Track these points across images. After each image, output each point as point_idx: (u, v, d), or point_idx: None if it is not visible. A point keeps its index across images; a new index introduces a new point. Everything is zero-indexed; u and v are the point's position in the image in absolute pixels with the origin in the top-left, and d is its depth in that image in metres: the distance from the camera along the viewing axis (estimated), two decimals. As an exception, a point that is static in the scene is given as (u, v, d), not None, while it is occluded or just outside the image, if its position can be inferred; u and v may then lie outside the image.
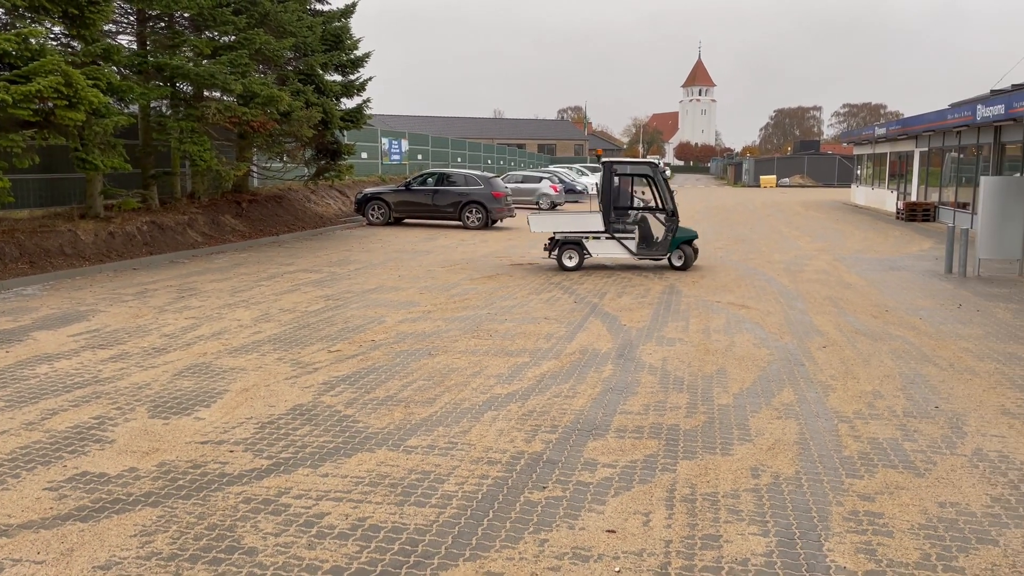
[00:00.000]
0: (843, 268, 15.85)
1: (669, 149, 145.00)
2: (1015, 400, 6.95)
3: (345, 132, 24.08)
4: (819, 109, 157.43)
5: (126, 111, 15.90)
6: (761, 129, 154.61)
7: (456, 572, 3.95)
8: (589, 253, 15.06)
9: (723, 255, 17.77)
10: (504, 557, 4.11)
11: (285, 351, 8.46)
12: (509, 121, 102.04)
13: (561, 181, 37.99)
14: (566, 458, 5.48)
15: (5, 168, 12.63)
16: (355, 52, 22.82)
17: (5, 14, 13.67)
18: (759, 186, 72.50)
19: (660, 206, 15.03)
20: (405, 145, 36.23)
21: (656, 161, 15.93)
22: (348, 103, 23.30)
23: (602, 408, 6.61)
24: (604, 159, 15.67)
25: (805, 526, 4.48)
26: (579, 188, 41.57)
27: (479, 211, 23.33)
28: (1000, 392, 7.19)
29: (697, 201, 42.46)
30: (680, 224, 15.27)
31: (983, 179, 14.94)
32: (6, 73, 12.34)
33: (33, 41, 12.64)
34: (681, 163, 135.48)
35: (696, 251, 15.46)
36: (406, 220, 24.42)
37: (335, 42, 21.79)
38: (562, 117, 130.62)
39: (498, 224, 24.47)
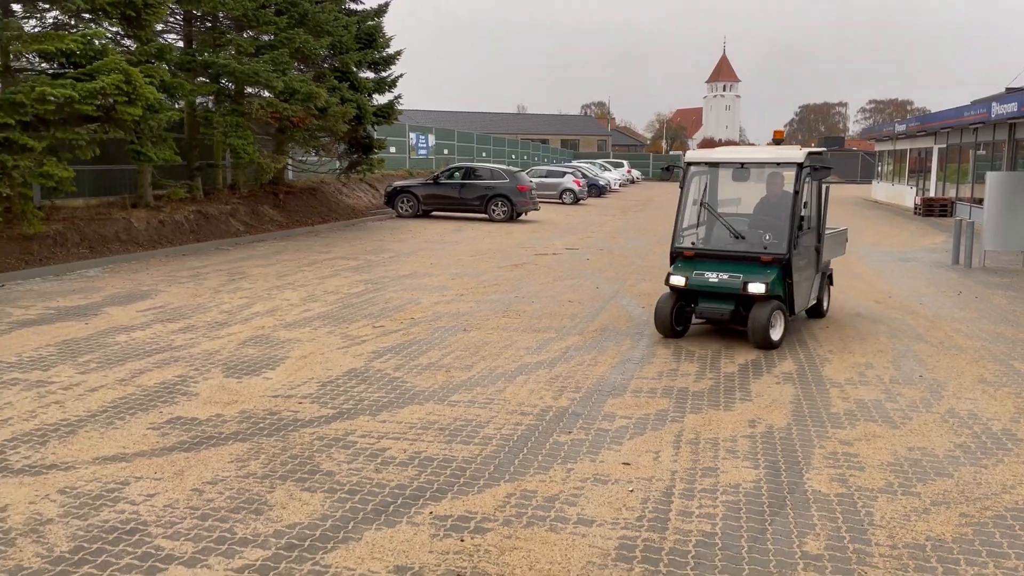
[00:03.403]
0: (854, 260, 16.51)
1: (692, 145, 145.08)
2: (993, 371, 7.71)
3: (376, 127, 25.01)
4: (845, 105, 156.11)
5: (176, 107, 16.90)
6: (786, 125, 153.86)
7: (498, 490, 4.82)
8: None
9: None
10: (537, 480, 4.97)
11: (334, 326, 9.37)
12: (533, 116, 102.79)
13: (584, 176, 38.76)
14: (589, 411, 6.34)
15: (69, 159, 13.68)
16: (387, 50, 23.75)
17: (68, 16, 14.67)
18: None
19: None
20: (432, 140, 37.17)
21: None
22: (380, 99, 24.25)
23: (621, 374, 7.45)
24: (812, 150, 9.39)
25: (790, 462, 5.30)
26: (602, 183, 42.32)
27: (504, 204, 24.16)
28: (981, 364, 7.95)
29: (718, 196, 42.99)
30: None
31: (988, 174, 15.59)
32: (72, 71, 13.38)
33: (96, 42, 13.64)
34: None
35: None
36: (434, 213, 25.31)
37: (369, 40, 22.72)
38: (585, 113, 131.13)
39: (522, 217, 25.30)
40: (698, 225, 9.48)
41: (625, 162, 62.30)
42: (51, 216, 14.51)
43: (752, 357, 8.15)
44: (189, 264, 14.12)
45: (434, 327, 9.39)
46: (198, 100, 18.32)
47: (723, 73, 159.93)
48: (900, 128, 37.32)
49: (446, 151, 39.19)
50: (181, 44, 18.54)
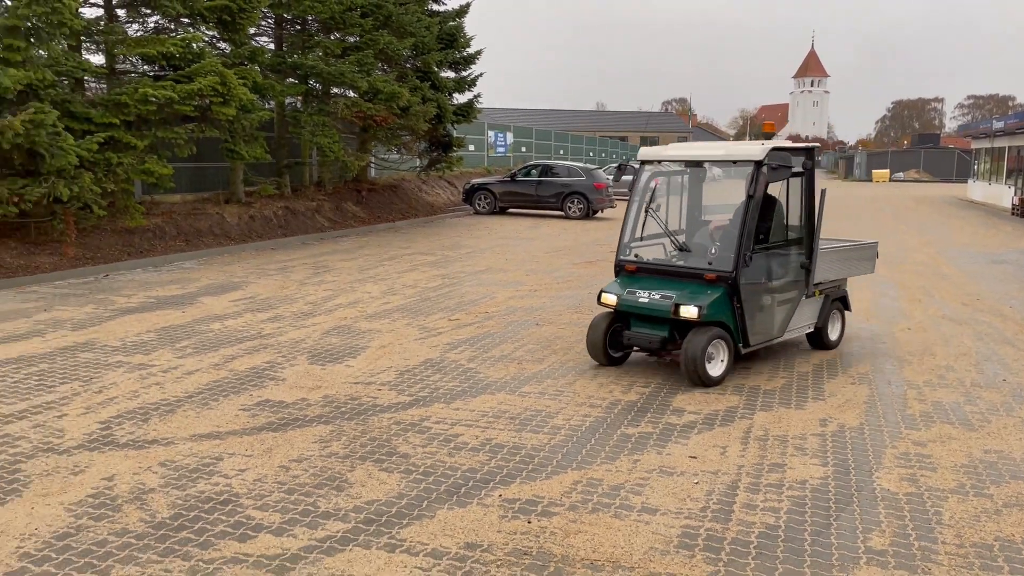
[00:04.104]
0: (943, 261, 16.01)
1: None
2: (1084, 377, 7.44)
3: (456, 126, 25.42)
4: (941, 101, 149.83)
5: (267, 107, 17.62)
6: (877, 121, 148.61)
7: (565, 477, 4.99)
8: None
9: (821, 246, 18.09)
10: (604, 469, 5.12)
11: (412, 318, 9.69)
12: (612, 114, 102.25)
13: (663, 174, 38.39)
14: (657, 405, 6.43)
15: (168, 157, 14.46)
16: (467, 50, 24.12)
17: (168, 21, 15.48)
18: (871, 180, 70.44)
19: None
20: (510, 138, 37.48)
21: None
22: (460, 98, 24.65)
23: (691, 370, 7.50)
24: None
25: (860, 460, 5.30)
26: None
27: (581, 201, 24.24)
28: (1071, 370, 7.68)
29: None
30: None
31: (1091, 173, 14.84)
32: (172, 73, 14.13)
33: (194, 45, 14.38)
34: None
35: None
36: (510, 210, 25.58)
37: (450, 41, 23.14)
38: (666, 109, 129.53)
39: (599, 214, 25.32)
40: (643, 236, 7.92)
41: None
42: (151, 211, 15.37)
43: (828, 357, 8.08)
44: (277, 257, 14.75)
45: (507, 321, 9.60)
46: (287, 100, 19.04)
47: (811, 68, 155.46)
48: (998, 125, 35.69)
49: (524, 149, 39.45)
50: (272, 47, 19.30)
